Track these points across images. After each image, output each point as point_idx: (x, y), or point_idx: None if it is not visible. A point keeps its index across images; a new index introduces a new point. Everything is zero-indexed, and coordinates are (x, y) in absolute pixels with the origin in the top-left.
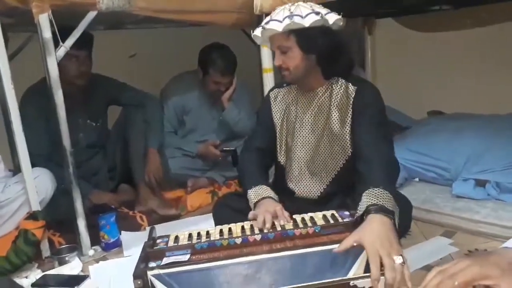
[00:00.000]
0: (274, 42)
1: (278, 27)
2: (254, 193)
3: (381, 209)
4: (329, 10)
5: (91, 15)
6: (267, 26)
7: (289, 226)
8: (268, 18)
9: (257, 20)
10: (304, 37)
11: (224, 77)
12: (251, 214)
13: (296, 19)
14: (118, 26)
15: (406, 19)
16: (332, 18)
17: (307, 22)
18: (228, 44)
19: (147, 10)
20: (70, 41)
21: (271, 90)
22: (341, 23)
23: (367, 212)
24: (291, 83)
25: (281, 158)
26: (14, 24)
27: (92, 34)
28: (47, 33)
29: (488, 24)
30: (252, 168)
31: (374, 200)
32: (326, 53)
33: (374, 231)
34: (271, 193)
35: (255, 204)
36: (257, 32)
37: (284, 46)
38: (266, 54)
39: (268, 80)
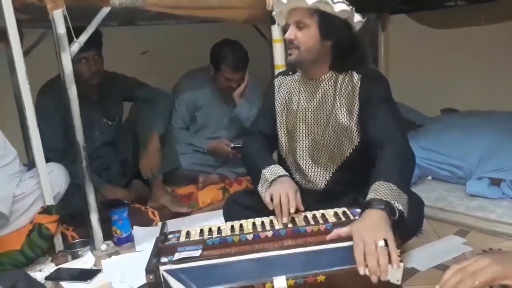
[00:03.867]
0: (294, 15)
1: (309, 0)
2: (269, 172)
3: (375, 204)
4: (354, 8)
5: (105, 11)
6: None
7: (301, 223)
8: None
9: (269, 16)
10: (328, 21)
11: (236, 73)
12: (267, 196)
13: (329, 0)
14: (130, 22)
15: (420, 15)
16: (357, 17)
17: (337, 8)
18: (240, 40)
19: (159, 6)
20: (84, 37)
21: (276, 76)
22: (360, 26)
23: (366, 207)
24: (294, 64)
25: (283, 148)
26: (28, 20)
27: (100, 30)
28: (61, 29)
29: (502, 20)
30: (260, 149)
31: (372, 195)
32: (343, 44)
33: (365, 223)
34: (286, 173)
35: (271, 182)
36: None
37: (304, 23)
38: (278, 50)
39: None
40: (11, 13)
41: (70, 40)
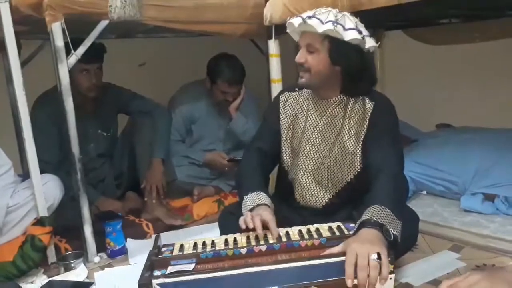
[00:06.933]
0: (305, 39)
1: (319, 27)
2: (250, 199)
3: (371, 224)
4: (368, 33)
5: (103, 24)
6: (308, 21)
7: (295, 237)
8: (310, 13)
9: (267, 30)
10: (338, 47)
11: (232, 87)
12: (241, 220)
13: (339, 29)
14: (128, 35)
15: (415, 32)
16: (370, 42)
17: (347, 36)
18: (237, 54)
19: (157, 19)
20: (81, 50)
21: (282, 92)
22: (373, 49)
23: (359, 227)
24: (305, 87)
25: (286, 164)
26: (26, 32)
27: (104, 45)
28: (59, 42)
29: (497, 38)
30: (252, 171)
31: (368, 216)
32: (353, 70)
33: (359, 238)
34: (267, 201)
35: (250, 210)
36: (295, 21)
37: (314, 47)
38: (274, 64)
39: (276, 91)
40: (10, 25)
41: (68, 52)
